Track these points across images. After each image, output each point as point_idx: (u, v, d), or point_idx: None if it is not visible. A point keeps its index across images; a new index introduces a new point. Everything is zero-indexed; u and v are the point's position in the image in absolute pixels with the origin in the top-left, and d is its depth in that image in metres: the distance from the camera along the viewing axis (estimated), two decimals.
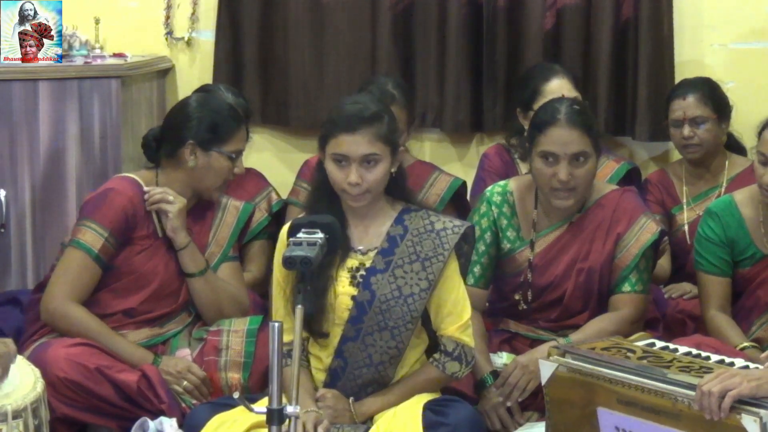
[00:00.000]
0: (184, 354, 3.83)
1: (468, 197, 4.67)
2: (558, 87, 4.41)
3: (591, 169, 3.80)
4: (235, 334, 3.82)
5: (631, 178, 4.57)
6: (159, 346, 3.85)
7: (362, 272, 3.42)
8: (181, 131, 3.83)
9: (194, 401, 3.71)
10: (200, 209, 3.93)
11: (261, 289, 4.39)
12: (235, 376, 3.78)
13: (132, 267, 3.82)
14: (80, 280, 3.76)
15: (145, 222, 3.83)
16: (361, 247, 3.45)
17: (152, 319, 3.85)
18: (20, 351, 3.46)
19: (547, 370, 3.25)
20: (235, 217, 4.00)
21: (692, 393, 2.97)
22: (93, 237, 3.76)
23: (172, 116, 3.95)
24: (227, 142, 3.85)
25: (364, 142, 3.36)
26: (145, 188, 3.82)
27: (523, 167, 4.53)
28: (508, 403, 3.67)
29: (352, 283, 3.42)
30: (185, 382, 3.72)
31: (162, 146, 3.89)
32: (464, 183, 4.66)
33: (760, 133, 3.72)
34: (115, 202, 3.79)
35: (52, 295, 3.76)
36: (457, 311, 3.43)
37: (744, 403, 2.91)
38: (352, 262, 3.44)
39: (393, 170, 3.42)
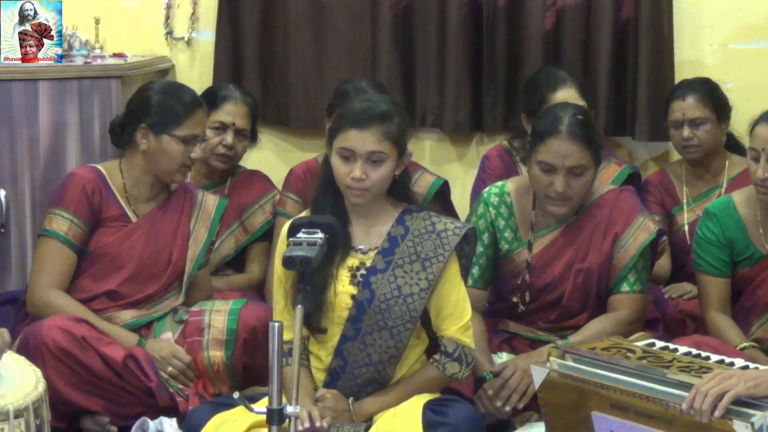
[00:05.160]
0: (167, 337, 3.87)
1: (468, 198, 4.67)
2: (565, 98, 4.38)
3: (588, 180, 3.79)
4: (217, 313, 3.87)
5: (632, 182, 4.56)
6: (143, 329, 3.88)
7: (362, 271, 3.42)
8: (136, 115, 3.89)
9: (180, 386, 3.76)
10: (177, 198, 3.97)
11: (261, 289, 4.39)
12: (217, 354, 3.82)
13: (105, 249, 3.87)
14: (56, 267, 3.83)
15: (110, 202, 3.89)
16: (362, 247, 3.45)
17: (137, 302, 3.90)
18: (11, 347, 3.46)
19: (539, 375, 3.23)
20: (212, 208, 4.03)
21: (685, 395, 2.95)
22: (59, 222, 3.84)
23: (131, 101, 4.01)
24: (179, 126, 3.86)
25: (371, 139, 3.35)
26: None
27: (523, 169, 4.51)
28: (507, 408, 3.65)
29: (352, 282, 3.42)
30: (170, 368, 3.77)
31: (124, 132, 3.94)
32: (446, 182, 4.63)
33: (751, 130, 3.72)
34: (74, 184, 3.87)
35: (33, 287, 3.85)
36: (457, 312, 3.43)
37: (737, 405, 2.90)
38: (352, 261, 3.44)
39: (397, 173, 3.41)
